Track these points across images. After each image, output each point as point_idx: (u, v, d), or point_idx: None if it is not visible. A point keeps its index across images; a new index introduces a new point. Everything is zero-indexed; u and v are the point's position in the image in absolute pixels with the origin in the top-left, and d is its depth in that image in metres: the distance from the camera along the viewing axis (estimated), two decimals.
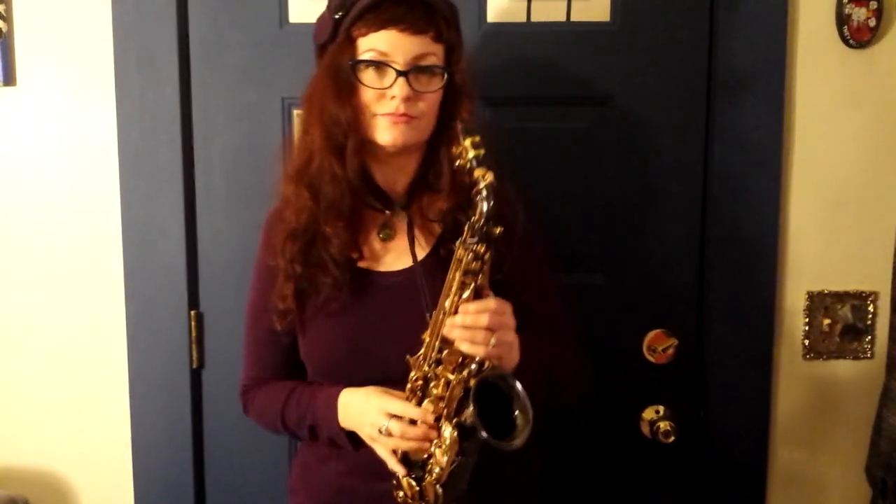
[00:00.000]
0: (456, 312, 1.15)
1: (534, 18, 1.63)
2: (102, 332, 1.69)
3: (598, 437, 1.71)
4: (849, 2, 1.58)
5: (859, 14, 1.59)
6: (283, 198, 1.32)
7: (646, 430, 1.69)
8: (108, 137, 1.64)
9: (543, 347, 1.28)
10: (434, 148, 1.29)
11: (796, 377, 1.69)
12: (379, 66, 1.21)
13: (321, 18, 1.29)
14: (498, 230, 1.13)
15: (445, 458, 1.16)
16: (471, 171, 1.13)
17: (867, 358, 1.69)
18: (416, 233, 1.29)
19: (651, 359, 1.68)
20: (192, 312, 1.67)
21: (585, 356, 1.37)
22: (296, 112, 1.64)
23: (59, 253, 1.68)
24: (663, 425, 1.65)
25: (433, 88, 1.23)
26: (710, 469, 1.70)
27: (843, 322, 1.67)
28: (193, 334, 1.68)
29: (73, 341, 1.70)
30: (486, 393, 1.14)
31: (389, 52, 1.20)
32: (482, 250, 1.14)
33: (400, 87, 1.20)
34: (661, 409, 1.69)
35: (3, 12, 1.62)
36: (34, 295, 1.69)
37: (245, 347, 1.42)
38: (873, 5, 1.59)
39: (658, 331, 1.68)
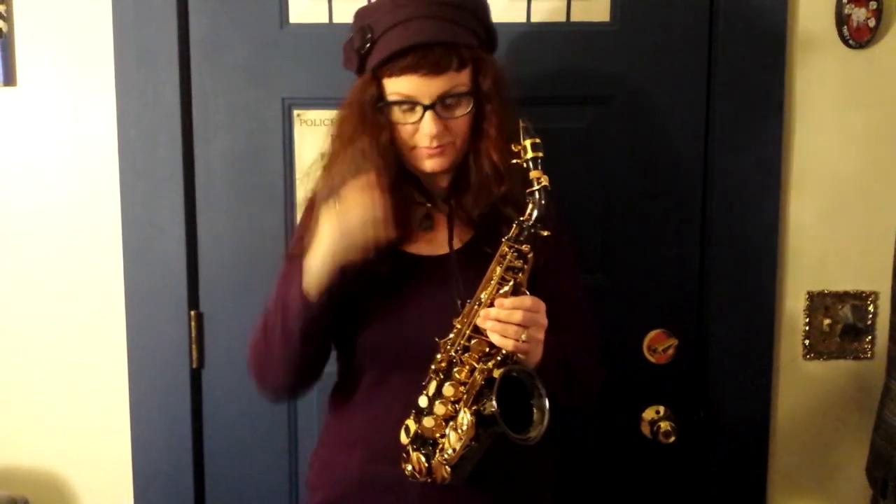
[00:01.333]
0: (491, 305, 1.18)
1: (534, 19, 1.63)
2: (102, 332, 1.69)
3: (599, 437, 1.71)
4: (848, 2, 1.58)
5: (859, 14, 1.59)
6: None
7: (646, 430, 1.69)
8: (108, 137, 1.64)
9: (569, 351, 1.30)
10: (467, 153, 1.31)
11: (796, 377, 1.69)
12: (406, 104, 1.24)
13: (346, 48, 1.31)
14: (546, 233, 1.19)
15: (460, 443, 1.17)
16: (527, 171, 1.20)
17: (867, 358, 1.69)
18: (455, 225, 1.32)
19: (651, 359, 1.68)
20: (192, 312, 1.67)
21: (602, 365, 1.39)
22: (296, 112, 1.64)
23: (58, 253, 1.68)
24: (664, 425, 1.65)
25: (461, 114, 1.26)
26: (710, 469, 1.70)
27: (843, 322, 1.67)
28: (193, 334, 1.68)
29: (73, 341, 1.70)
30: (507, 386, 1.16)
31: (414, 95, 1.23)
32: (527, 250, 1.19)
33: (428, 124, 1.23)
34: (662, 409, 1.69)
35: (3, 12, 1.62)
36: (34, 294, 1.69)
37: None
38: (873, 5, 1.59)
39: (658, 331, 1.68)
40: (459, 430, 1.17)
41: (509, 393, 1.16)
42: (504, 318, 1.16)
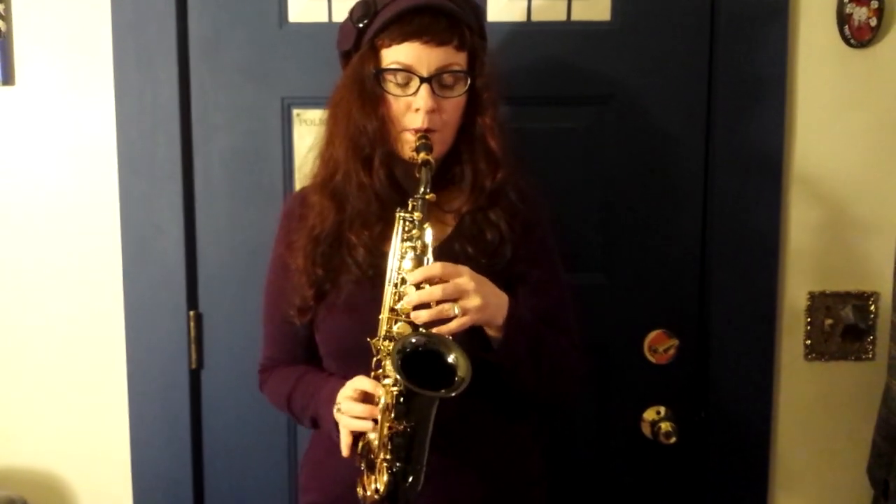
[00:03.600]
0: (402, 283, 1.16)
1: (534, 18, 1.63)
2: (101, 333, 1.69)
3: (600, 437, 1.71)
4: (850, 1, 1.58)
5: (860, 13, 1.59)
6: (309, 201, 1.33)
7: (647, 430, 1.69)
8: (107, 137, 1.64)
9: (543, 330, 1.27)
10: (457, 150, 1.29)
11: (797, 377, 1.69)
12: (403, 75, 1.22)
13: (344, 26, 1.29)
14: (430, 196, 1.18)
15: (381, 428, 1.13)
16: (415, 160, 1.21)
17: (868, 358, 1.68)
18: (432, 224, 1.27)
19: (652, 359, 1.68)
20: (191, 313, 1.67)
21: (582, 356, 1.36)
22: (295, 112, 1.64)
23: (57, 253, 1.68)
24: (664, 426, 1.64)
25: (456, 94, 1.24)
26: (711, 470, 1.69)
27: (844, 322, 1.67)
28: (192, 335, 1.67)
29: (72, 341, 1.70)
30: (422, 360, 1.11)
31: (413, 64, 1.21)
32: (419, 217, 1.17)
33: (423, 98, 1.21)
34: (663, 409, 1.69)
35: (2, 12, 1.62)
36: (33, 295, 1.69)
37: (263, 327, 1.43)
38: (874, 4, 1.58)
39: (659, 331, 1.67)
40: (381, 416, 1.13)
41: (428, 366, 1.11)
42: (426, 299, 1.13)
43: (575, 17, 1.63)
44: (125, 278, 1.66)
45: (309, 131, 1.63)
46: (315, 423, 1.32)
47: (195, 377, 1.70)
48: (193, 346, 1.68)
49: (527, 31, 1.62)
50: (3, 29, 1.62)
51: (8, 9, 1.62)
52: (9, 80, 1.64)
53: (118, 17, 1.60)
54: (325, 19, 1.62)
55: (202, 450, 1.72)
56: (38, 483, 1.72)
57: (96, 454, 1.72)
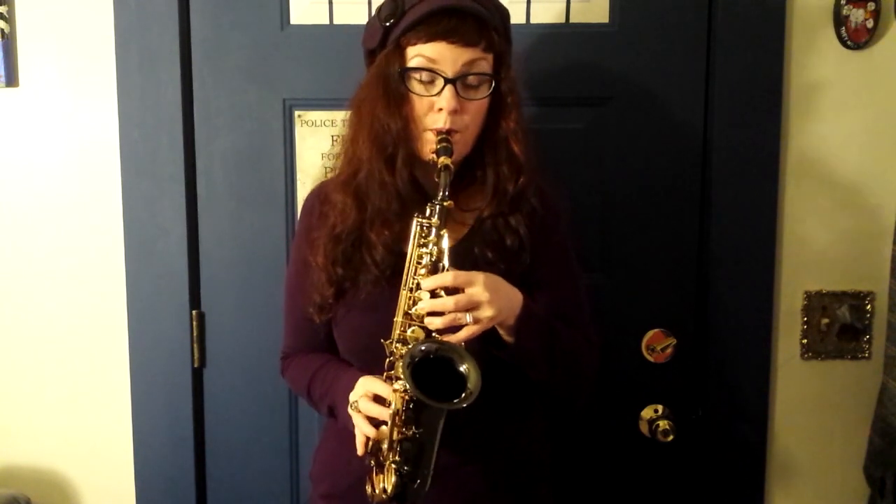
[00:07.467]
0: (417, 288, 1.16)
1: (533, 20, 1.64)
2: (104, 332, 1.70)
3: (597, 435, 1.72)
4: (847, 3, 1.59)
5: (857, 15, 1.60)
6: (331, 200, 1.33)
7: (644, 429, 1.70)
8: (109, 138, 1.65)
9: (558, 326, 1.28)
10: (479, 152, 1.29)
11: (794, 376, 1.70)
12: (427, 74, 1.21)
13: (370, 24, 1.29)
14: (448, 203, 1.18)
15: (390, 431, 1.15)
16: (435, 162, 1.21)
17: (865, 358, 1.70)
18: (448, 225, 1.24)
19: (650, 358, 1.69)
20: (194, 312, 1.68)
21: (597, 352, 1.38)
22: (297, 113, 1.65)
23: (60, 253, 1.69)
24: (662, 424, 1.66)
25: (480, 96, 1.24)
26: (708, 468, 1.71)
27: (840, 322, 1.68)
28: (195, 334, 1.68)
29: (75, 340, 1.71)
30: (434, 366, 1.13)
31: (438, 64, 1.21)
32: (436, 223, 1.18)
33: (447, 98, 1.20)
34: (660, 408, 1.70)
35: (5, 13, 1.63)
36: (37, 294, 1.70)
37: (284, 317, 1.44)
38: (871, 6, 1.59)
39: (657, 330, 1.69)
40: (391, 421, 1.14)
41: (438, 371, 1.12)
42: (438, 309, 1.13)
43: (574, 19, 1.64)
44: (128, 278, 1.67)
45: (311, 132, 1.65)
46: (331, 412, 1.33)
47: (197, 376, 1.71)
48: (196, 345, 1.69)
49: (526, 33, 1.63)
50: (6, 30, 1.63)
51: (11, 10, 1.63)
52: (12, 81, 1.65)
53: (121, 19, 1.61)
54: (326, 21, 1.63)
55: (204, 448, 1.73)
56: (41, 481, 1.74)
57: (99, 452, 1.73)
